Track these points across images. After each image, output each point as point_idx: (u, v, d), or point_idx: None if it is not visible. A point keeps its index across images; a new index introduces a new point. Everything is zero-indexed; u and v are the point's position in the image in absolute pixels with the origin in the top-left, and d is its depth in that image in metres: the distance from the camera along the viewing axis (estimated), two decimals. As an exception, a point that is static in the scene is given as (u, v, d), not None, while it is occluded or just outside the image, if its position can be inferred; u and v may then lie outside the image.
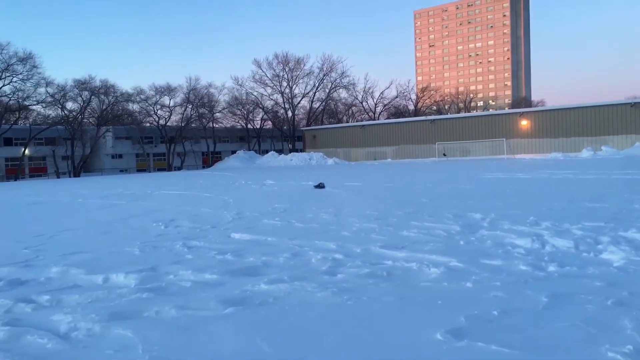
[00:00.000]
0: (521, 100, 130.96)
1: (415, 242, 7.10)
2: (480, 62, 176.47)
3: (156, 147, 68.37)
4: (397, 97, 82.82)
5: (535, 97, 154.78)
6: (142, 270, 5.95)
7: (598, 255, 5.87)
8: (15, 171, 57.26)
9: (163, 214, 12.23)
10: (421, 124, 57.42)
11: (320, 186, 18.24)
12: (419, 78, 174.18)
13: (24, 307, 4.71)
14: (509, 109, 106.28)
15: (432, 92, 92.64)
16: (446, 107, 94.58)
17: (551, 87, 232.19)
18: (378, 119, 78.38)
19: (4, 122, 55.20)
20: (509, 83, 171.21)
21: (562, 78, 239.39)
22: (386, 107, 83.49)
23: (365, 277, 5.30)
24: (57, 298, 4.96)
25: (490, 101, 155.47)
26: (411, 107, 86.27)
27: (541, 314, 3.95)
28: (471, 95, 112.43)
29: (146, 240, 8.21)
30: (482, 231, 7.74)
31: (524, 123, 49.66)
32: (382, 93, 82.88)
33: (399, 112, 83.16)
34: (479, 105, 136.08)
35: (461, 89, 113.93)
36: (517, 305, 4.15)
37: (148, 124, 66.99)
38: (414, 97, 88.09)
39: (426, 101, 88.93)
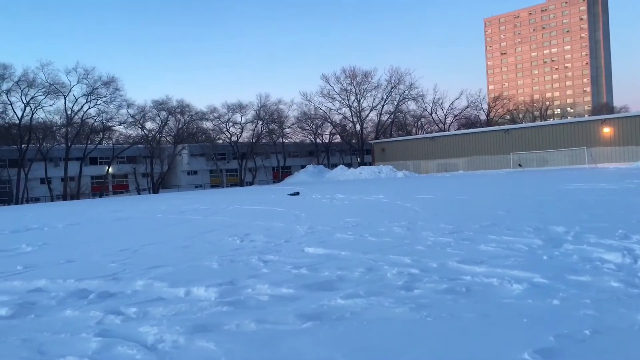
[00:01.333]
0: (602, 106, 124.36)
1: (494, 257, 6.86)
2: (556, 69, 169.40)
3: (228, 163, 70.53)
4: (467, 107, 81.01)
5: (617, 103, 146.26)
6: (221, 283, 6.10)
7: (699, 271, 5.43)
8: (99, 188, 60.86)
9: (238, 228, 12.53)
10: (494, 134, 55.76)
11: (295, 194, 19.98)
12: (491, 87, 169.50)
13: (114, 319, 4.94)
14: (588, 116, 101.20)
15: (504, 101, 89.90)
16: (520, 116, 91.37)
17: (635, 92, 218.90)
18: (448, 130, 76.87)
19: (89, 142, 58.91)
20: (588, 89, 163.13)
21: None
22: (456, 117, 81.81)
23: (443, 293, 5.17)
24: (144, 310, 5.18)
25: (568, 108, 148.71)
26: (483, 117, 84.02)
27: (638, 333, 3.69)
28: (547, 103, 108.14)
29: (223, 254, 8.43)
30: (567, 245, 7.37)
31: (607, 130, 47.08)
32: (452, 104, 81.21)
33: (470, 122, 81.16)
34: (555, 113, 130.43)
35: (536, 96, 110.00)
36: (611, 324, 3.91)
37: (221, 141, 69.40)
38: (485, 106, 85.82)
39: (499, 111, 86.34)
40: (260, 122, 68.93)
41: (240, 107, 68.11)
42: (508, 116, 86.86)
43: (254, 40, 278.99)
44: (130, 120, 61.02)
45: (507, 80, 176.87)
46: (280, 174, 71.29)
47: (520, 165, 50.40)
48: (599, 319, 4.05)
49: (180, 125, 65.51)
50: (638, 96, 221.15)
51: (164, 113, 63.48)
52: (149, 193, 59.10)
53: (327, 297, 5.22)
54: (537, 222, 10.05)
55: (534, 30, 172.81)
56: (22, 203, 50.18)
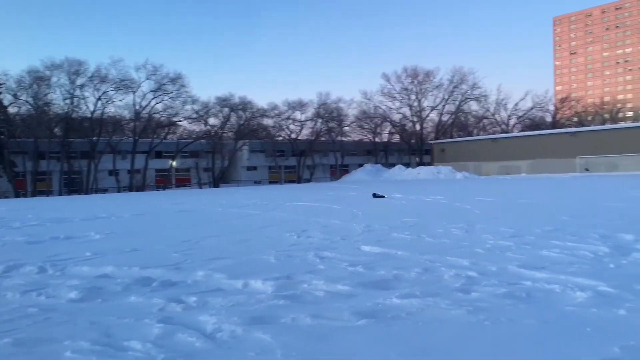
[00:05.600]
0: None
1: (556, 263, 6.64)
2: (630, 69, 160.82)
3: (287, 160, 71.37)
4: (532, 108, 78.26)
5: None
6: (278, 277, 6.22)
7: None
8: (163, 181, 63.06)
9: (295, 224, 12.69)
10: (560, 136, 53.69)
11: (378, 195, 19.81)
12: (558, 88, 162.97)
13: (175, 307, 5.14)
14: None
15: (572, 102, 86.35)
16: (589, 118, 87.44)
17: None
18: (511, 132, 74.60)
19: (155, 136, 61.18)
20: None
21: None
22: (520, 119, 79.23)
23: (502, 297, 5.06)
24: (204, 300, 5.36)
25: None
26: (548, 119, 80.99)
27: None
28: (619, 105, 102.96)
29: (281, 249, 8.57)
30: (636, 254, 7.03)
31: (684, 135, 44.33)
32: (516, 104, 78.55)
33: (535, 124, 78.40)
34: (627, 115, 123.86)
35: (607, 98, 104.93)
36: (682, 339, 3.71)
37: (280, 138, 70.36)
38: (551, 108, 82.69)
39: (566, 112, 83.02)
40: (320, 120, 69.37)
41: (300, 105, 68.89)
42: (576, 118, 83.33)
43: (316, 37, 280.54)
44: (194, 116, 62.95)
45: (576, 81, 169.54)
46: (338, 172, 71.48)
47: (587, 169, 48.29)
48: (669, 333, 3.86)
49: (241, 122, 66.89)
50: None
51: (226, 109, 65.04)
52: (210, 187, 60.69)
53: (383, 296, 5.22)
54: (604, 229, 9.62)
55: (606, 29, 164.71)
56: (91, 193, 52.76)
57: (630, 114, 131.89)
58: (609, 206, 14.68)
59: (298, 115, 69.53)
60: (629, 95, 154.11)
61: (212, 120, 65.74)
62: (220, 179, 64.23)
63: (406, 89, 73.91)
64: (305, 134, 70.73)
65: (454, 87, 73.77)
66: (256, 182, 68.42)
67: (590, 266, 6.41)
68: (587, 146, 49.90)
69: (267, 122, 70.57)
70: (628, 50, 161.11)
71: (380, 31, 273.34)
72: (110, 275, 6.84)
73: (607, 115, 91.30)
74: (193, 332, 4.29)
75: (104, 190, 56.21)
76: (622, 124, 71.58)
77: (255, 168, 71.75)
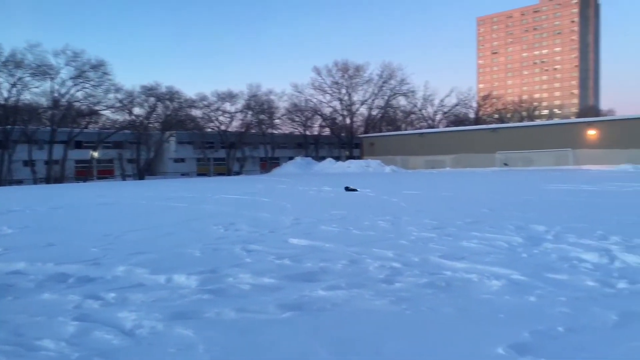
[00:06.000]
0: (589, 109, 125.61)
1: (475, 253, 6.94)
2: (546, 70, 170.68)
3: (217, 152, 70.15)
4: (457, 105, 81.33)
5: (604, 106, 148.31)
6: (203, 272, 6.10)
7: (674, 273, 5.53)
8: (84, 173, 60.27)
9: (223, 217, 12.51)
10: (482, 132, 56.12)
11: (350, 189, 19.54)
12: (481, 86, 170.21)
13: (92, 304, 4.92)
14: (575, 118, 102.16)
15: (494, 100, 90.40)
16: (508, 115, 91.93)
17: (622, 96, 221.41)
18: (437, 127, 77.20)
19: (75, 126, 58.26)
20: (576, 91, 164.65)
21: (634, 86, 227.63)
22: (446, 115, 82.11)
23: (423, 287, 5.23)
24: (123, 296, 5.17)
25: (555, 110, 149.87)
26: (472, 116, 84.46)
27: (611, 332, 3.77)
28: (535, 103, 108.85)
29: (207, 243, 8.42)
30: (546, 244, 7.47)
31: (592, 133, 47.58)
32: (442, 101, 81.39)
33: (459, 120, 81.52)
34: (543, 114, 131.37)
35: (525, 97, 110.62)
36: (585, 323, 3.98)
37: (209, 130, 69.00)
38: (474, 105, 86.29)
39: (487, 109, 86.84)
40: (250, 112, 68.66)
41: (230, 96, 67.81)
42: (496, 115, 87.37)
43: (247, 28, 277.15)
44: (117, 105, 60.44)
45: (497, 80, 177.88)
46: (268, 165, 71.16)
47: (506, 164, 50.79)
48: (573, 317, 4.12)
49: (168, 112, 65.01)
50: (624, 100, 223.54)
51: (152, 99, 62.93)
52: (134, 179, 58.63)
53: (309, 288, 5.24)
54: (519, 220, 10.16)
55: (525, 30, 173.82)
56: (4, 185, 49.56)
57: (545, 112, 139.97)
58: (524, 199, 15.51)
59: (228, 106, 68.52)
60: (545, 95, 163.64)
61: (137, 110, 63.45)
62: (145, 171, 62.19)
63: (337, 83, 74.68)
64: (235, 125, 69.83)
65: (383, 82, 75.33)
66: (184, 175, 66.83)
67: (505, 256, 6.74)
68: (506, 142, 52.45)
69: (196, 113, 69.01)
70: (544, 51, 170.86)
71: (312, 24, 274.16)
72: (22, 272, 6.46)
73: (524, 113, 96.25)
74: (111, 329, 4.13)
75: (19, 182, 52.96)
76: (538, 122, 75.82)
77: (182, 160, 70.02)
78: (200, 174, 68.41)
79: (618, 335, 3.71)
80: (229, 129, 68.66)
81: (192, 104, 67.32)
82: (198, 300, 4.95)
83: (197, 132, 68.05)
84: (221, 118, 68.53)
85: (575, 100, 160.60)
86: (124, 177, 60.05)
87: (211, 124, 68.86)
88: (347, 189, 20.99)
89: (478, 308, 4.47)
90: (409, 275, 5.73)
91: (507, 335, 3.71)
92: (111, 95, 58.97)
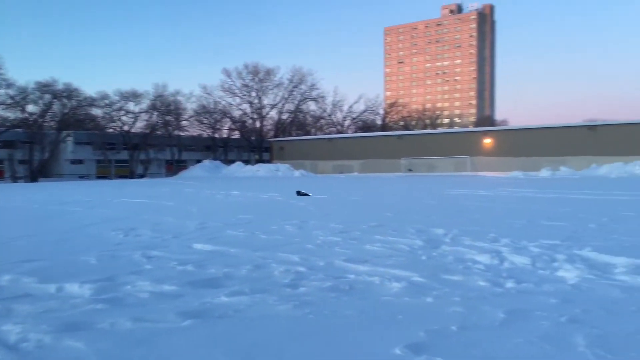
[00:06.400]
0: (485, 119, 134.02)
1: (378, 257, 7.13)
2: (447, 81, 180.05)
3: (119, 154, 67.00)
4: (365, 111, 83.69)
5: (498, 116, 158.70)
6: (98, 280, 5.78)
7: (554, 272, 6.00)
8: (-31, 174, 55.26)
9: (123, 222, 11.97)
10: (388, 138, 58.09)
11: (302, 193, 18.66)
12: (388, 93, 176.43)
13: (-29, 317, 4.50)
14: (473, 127, 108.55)
15: (399, 107, 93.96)
16: (413, 123, 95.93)
17: (514, 108, 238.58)
18: (346, 133, 78.89)
19: (-40, 122, 53.34)
20: (474, 102, 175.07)
21: (524, 99, 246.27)
22: (354, 121, 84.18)
23: (327, 291, 5.28)
24: (7, 307, 4.77)
25: (455, 119, 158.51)
26: (379, 122, 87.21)
27: (498, 329, 4.01)
28: (437, 112, 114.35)
29: (104, 249, 8.00)
30: (444, 247, 7.84)
31: (488, 141, 50.77)
32: (350, 107, 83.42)
33: (367, 126, 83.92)
34: (444, 122, 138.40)
35: (428, 105, 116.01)
36: (475, 321, 4.20)
37: (111, 130, 65.78)
38: (382, 112, 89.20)
39: (394, 117, 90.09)
40: (156, 113, 66.32)
41: (134, 96, 65.08)
42: (402, 122, 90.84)
43: (152, 28, 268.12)
44: (9, 101, 56.00)
45: (403, 88, 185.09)
46: (174, 168, 69.08)
47: (410, 170, 52.89)
48: (465, 316, 4.34)
49: (66, 111, 61.15)
50: (516, 112, 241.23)
51: (48, 96, 58.94)
52: (26, 182, 54.60)
53: (211, 295, 5.13)
54: (421, 224, 10.59)
55: (429, 42, 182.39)
56: None
57: (446, 120, 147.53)
58: (426, 203, 16.22)
59: (132, 106, 65.77)
60: (446, 104, 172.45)
61: (30, 107, 59.11)
62: (39, 173, 58.08)
63: (247, 86, 74.15)
64: (139, 126, 67.07)
65: (294, 87, 75.85)
66: (82, 177, 63.17)
67: (406, 258, 6.98)
68: (411, 148, 54.67)
69: (96, 112, 65.54)
70: (446, 63, 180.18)
71: (222, 26, 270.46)
72: None
73: (428, 121, 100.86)
74: (-9, 344, 3.78)
75: None
76: (440, 130, 79.76)
77: (81, 161, 66.12)
78: (100, 177, 64.98)
79: (505, 331, 3.95)
80: (133, 130, 65.89)
81: (92, 102, 63.80)
82: (91, 311, 4.67)
83: (98, 132, 64.50)
84: (124, 118, 65.67)
85: (474, 110, 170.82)
86: (14, 179, 55.69)
87: (113, 124, 65.72)
88: (298, 193, 20.36)
89: (378, 310, 4.58)
90: (313, 280, 5.77)
91: (404, 336, 3.83)
92: (2, 91, 54.61)
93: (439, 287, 5.34)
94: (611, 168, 39.69)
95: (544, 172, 41.41)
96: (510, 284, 5.45)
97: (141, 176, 63.69)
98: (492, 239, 8.39)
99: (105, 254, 7.61)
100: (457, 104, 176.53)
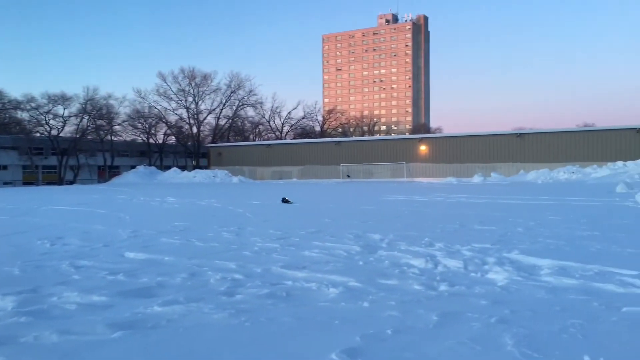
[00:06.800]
0: (421, 126, 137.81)
1: (316, 262, 7.14)
2: (384, 89, 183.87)
3: (47, 159, 64.00)
4: (304, 117, 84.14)
5: (433, 124, 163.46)
6: (22, 292, 5.47)
7: (484, 275, 6.22)
8: None
9: (50, 230, 11.41)
10: (327, 145, 58.55)
11: (285, 201, 18.17)
12: (326, 100, 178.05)
13: None
14: (409, 134, 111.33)
15: (338, 114, 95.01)
16: (351, 129, 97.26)
17: (448, 116, 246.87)
18: (285, 139, 78.88)
19: None
20: (409, 110, 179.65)
21: (457, 107, 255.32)
22: (293, 127, 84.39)
23: (264, 298, 5.23)
24: None
25: (392, 126, 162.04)
26: (317, 129, 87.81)
27: (432, 332, 4.10)
28: (375, 119, 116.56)
29: (28, 259, 7.59)
30: (381, 251, 7.95)
31: (423, 148, 52.20)
32: (289, 113, 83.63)
33: (306, 132, 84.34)
34: (382, 129, 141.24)
35: (366, 113, 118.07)
36: (410, 324, 4.28)
37: (38, 134, 62.73)
38: (320, 118, 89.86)
39: (332, 123, 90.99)
40: (87, 117, 63.86)
41: (63, 99, 62.45)
42: (340, 129, 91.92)
43: (82, 29, 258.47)
44: None
45: (341, 95, 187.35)
46: (107, 174, 66.67)
47: (348, 176, 53.51)
48: (400, 320, 4.41)
49: (-12, 114, 57.88)
50: (450, 120, 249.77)
51: (-32, 98, 55.60)
52: (-56, 188, 51.08)
53: (144, 305, 4.96)
54: (358, 229, 10.71)
55: (366, 51, 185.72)
56: None
57: (383, 127, 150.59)
58: (364, 209, 16.44)
59: (60, 110, 62.99)
60: (383, 111, 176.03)
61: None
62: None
63: (183, 91, 72.86)
64: (68, 131, 64.40)
65: (232, 92, 75.21)
66: (7, 184, 59.84)
67: (343, 264, 7.04)
68: (349, 155, 55.36)
69: (22, 115, 62.38)
70: (382, 71, 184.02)
71: (157, 30, 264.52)
72: None
73: (365, 128, 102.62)
74: None
75: None
76: (377, 137, 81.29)
77: (4, 167, 62.65)
78: (26, 183, 61.78)
79: (438, 334, 4.05)
80: (62, 134, 63.10)
81: (17, 105, 60.84)
82: (14, 324, 4.41)
83: (23, 136, 61.32)
84: (52, 122, 62.82)
85: (409, 118, 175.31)
86: None
87: (40, 129, 62.68)
88: (283, 200, 19.51)
89: (315, 316, 4.58)
90: (250, 287, 5.70)
91: (340, 341, 3.85)
92: None
93: (375, 292, 5.41)
94: (538, 174, 41.73)
95: (476, 178, 43.00)
96: (443, 287, 5.60)
97: (71, 182, 61.04)
98: (426, 244, 8.60)
99: (29, 264, 7.21)
100: (393, 111, 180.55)
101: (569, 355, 3.54)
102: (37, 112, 61.57)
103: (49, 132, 62.09)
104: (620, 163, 39.69)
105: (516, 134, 50.04)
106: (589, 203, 17.14)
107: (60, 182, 61.34)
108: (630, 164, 38.59)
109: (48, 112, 62.03)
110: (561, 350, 3.64)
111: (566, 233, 9.70)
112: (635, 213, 13.52)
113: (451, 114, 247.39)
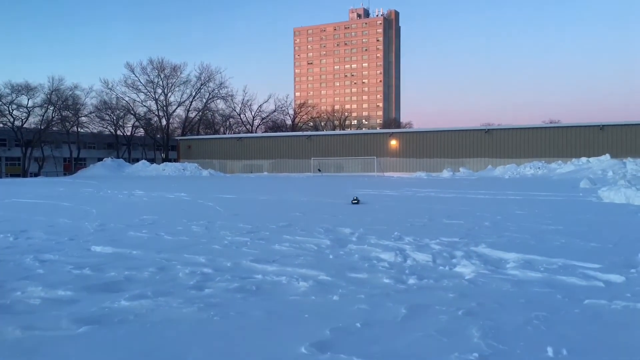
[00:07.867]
0: (391, 121, 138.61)
1: (286, 256, 7.14)
2: (355, 83, 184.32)
3: (9, 151, 62.22)
4: (275, 111, 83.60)
5: (404, 119, 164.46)
6: (-17, 287, 5.32)
7: (452, 268, 6.32)
8: None
9: (13, 224, 11.12)
10: (298, 139, 58.41)
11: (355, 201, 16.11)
12: (297, 94, 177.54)
13: None
14: (380, 129, 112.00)
15: (309, 108, 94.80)
16: (322, 124, 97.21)
17: (418, 110, 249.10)
18: (255, 132, 78.42)
19: None
20: (380, 104, 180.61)
21: (427, 102, 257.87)
22: (264, 120, 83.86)
23: (234, 292, 5.21)
24: None
25: (363, 120, 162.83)
26: (289, 122, 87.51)
27: (400, 324, 4.15)
28: (346, 113, 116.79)
29: (-10, 254, 7.38)
30: (351, 245, 8.00)
31: (393, 143, 52.57)
32: (260, 106, 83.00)
33: (277, 126, 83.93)
34: (353, 123, 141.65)
35: (337, 107, 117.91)
36: (379, 317, 4.32)
37: (1, 125, 60.92)
38: (291, 112, 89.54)
39: (303, 117, 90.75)
40: (52, 108, 62.22)
41: (27, 89, 60.60)
42: (311, 123, 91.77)
43: (50, 17, 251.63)
44: None
45: (313, 89, 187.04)
46: (73, 166, 65.20)
47: (319, 170, 53.55)
48: (370, 313, 4.45)
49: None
50: (419, 115, 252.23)
51: None
52: None
53: (110, 299, 4.88)
54: (328, 223, 10.75)
55: (337, 45, 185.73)
56: None
57: (354, 122, 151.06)
58: (333, 203, 16.48)
59: (24, 100, 61.22)
60: (354, 106, 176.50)
61: None
62: None
63: (152, 82, 71.49)
64: (32, 122, 62.65)
65: (202, 85, 74.14)
66: (-33, 175, 58.03)
67: (313, 258, 7.05)
68: (320, 149, 55.35)
69: (-16, 105, 60.42)
70: (354, 66, 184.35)
71: (125, 20, 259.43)
72: None
73: (337, 122, 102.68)
74: None
75: None
76: (348, 131, 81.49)
77: (-34, 159, 60.79)
78: (-12, 175, 59.98)
79: (406, 326, 4.10)
80: (26, 125, 61.37)
81: (-22, 95, 58.78)
82: (-27, 321, 4.28)
83: (-15, 127, 59.60)
84: (16, 113, 60.99)
85: (380, 113, 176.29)
86: None
87: (3, 119, 60.81)
88: (353, 201, 16.43)
89: (285, 310, 4.59)
90: (219, 281, 5.67)
91: (310, 334, 3.86)
92: None
93: (344, 285, 5.44)
94: (505, 169, 42.49)
95: (445, 173, 43.53)
96: (412, 281, 5.67)
97: (35, 175, 59.51)
98: (396, 237, 8.68)
99: (-9, 258, 7.02)
100: (365, 105, 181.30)
101: (533, 346, 3.63)
102: (0, 103, 59.75)
103: (12, 123, 60.33)
104: (584, 159, 40.71)
105: (484, 129, 50.83)
106: (553, 198, 17.56)
107: (24, 174, 59.75)
108: (593, 160, 39.61)
109: (11, 103, 60.20)
110: (526, 342, 3.73)
111: (531, 227, 9.92)
112: (597, 208, 13.91)
113: (421, 109, 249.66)
